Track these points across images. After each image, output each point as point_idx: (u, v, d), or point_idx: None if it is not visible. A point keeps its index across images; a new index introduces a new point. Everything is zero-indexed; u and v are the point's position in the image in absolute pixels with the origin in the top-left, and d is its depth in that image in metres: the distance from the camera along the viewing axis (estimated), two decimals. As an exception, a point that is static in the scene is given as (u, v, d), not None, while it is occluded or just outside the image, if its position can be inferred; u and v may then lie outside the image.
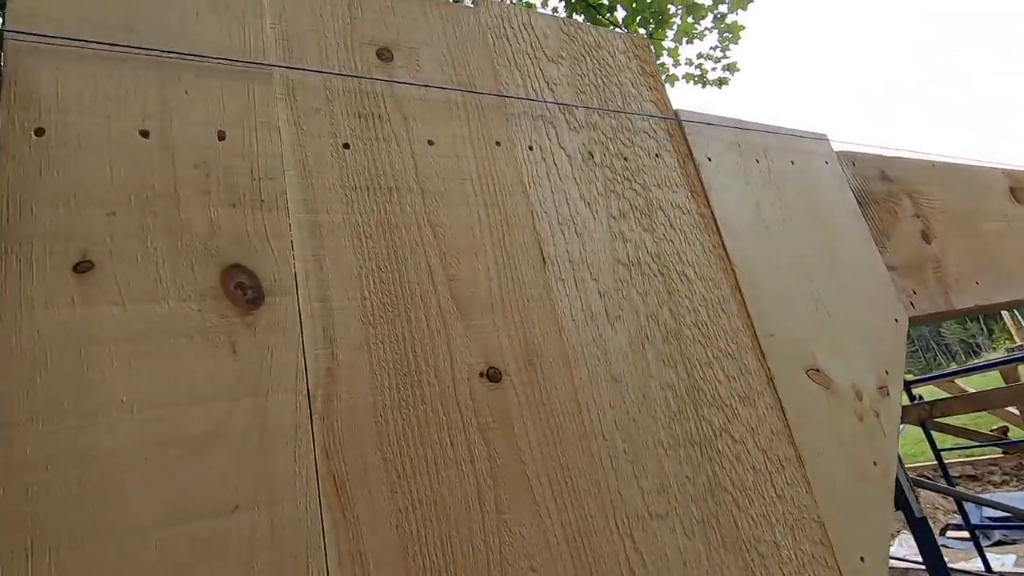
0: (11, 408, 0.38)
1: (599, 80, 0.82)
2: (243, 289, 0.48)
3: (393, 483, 0.48)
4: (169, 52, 0.53)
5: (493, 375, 0.56)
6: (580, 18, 4.57)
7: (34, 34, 0.48)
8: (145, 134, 0.49)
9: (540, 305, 0.61)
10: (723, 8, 4.46)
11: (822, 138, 1.08)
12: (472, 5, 0.75)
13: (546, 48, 0.79)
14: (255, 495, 0.42)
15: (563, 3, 4.78)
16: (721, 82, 5.36)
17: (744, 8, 4.34)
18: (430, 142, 0.63)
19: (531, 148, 0.70)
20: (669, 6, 4.09)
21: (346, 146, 0.58)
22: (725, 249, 0.80)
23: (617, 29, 4.12)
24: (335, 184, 0.56)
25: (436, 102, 0.66)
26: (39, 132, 0.45)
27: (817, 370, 0.79)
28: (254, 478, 0.43)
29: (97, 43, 0.50)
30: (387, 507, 0.47)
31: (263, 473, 0.43)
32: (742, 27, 4.65)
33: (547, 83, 0.76)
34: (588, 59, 0.82)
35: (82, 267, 0.43)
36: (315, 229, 0.53)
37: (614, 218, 0.72)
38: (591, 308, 0.65)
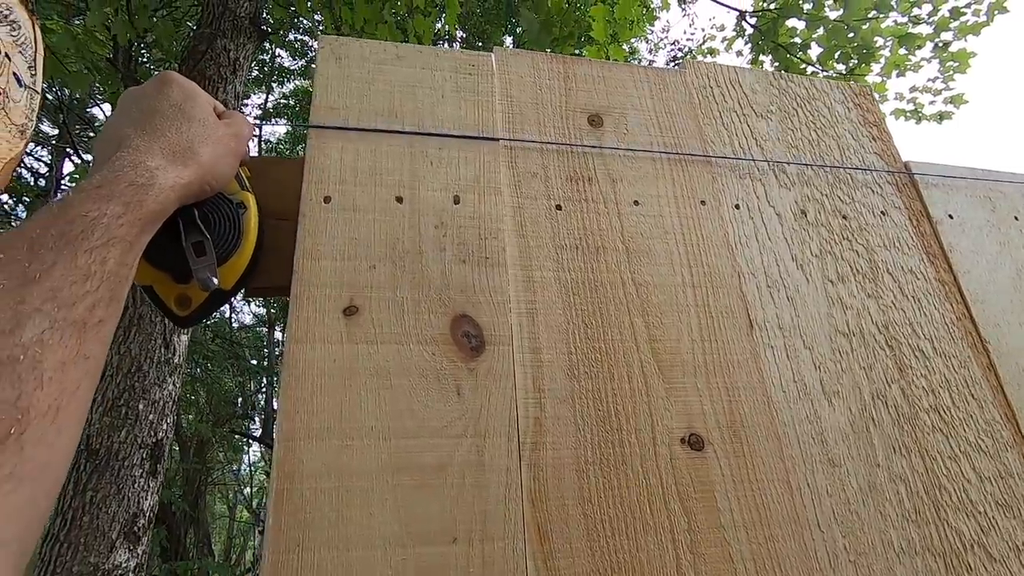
0: (295, 424, 0.47)
1: (813, 133, 0.77)
2: (468, 337, 0.53)
3: (592, 541, 0.48)
4: (420, 132, 0.62)
5: (695, 442, 0.54)
6: (767, 59, 4.35)
7: (327, 126, 0.60)
8: (400, 200, 0.58)
9: (746, 372, 0.58)
10: (947, 36, 3.90)
11: (1110, 189, 0.87)
12: (679, 68, 0.77)
13: (754, 104, 0.77)
14: (470, 530, 0.46)
15: (748, 46, 4.61)
16: (942, 117, 4.66)
17: (976, 34, 3.75)
18: (636, 202, 0.65)
19: (738, 207, 0.68)
20: (876, 39, 3.70)
21: (558, 207, 0.62)
22: (974, 322, 0.68)
23: (822, 72, 3.83)
24: (547, 243, 0.60)
25: (642, 162, 0.68)
26: (326, 200, 0.57)
27: (1114, 484, 0.62)
28: (470, 514, 0.46)
29: (369, 129, 0.61)
30: (587, 565, 0.47)
31: (478, 510, 0.47)
32: (972, 54, 4.01)
33: (755, 139, 0.74)
34: (800, 112, 0.78)
35: (349, 311, 0.52)
36: (529, 285, 0.57)
37: (831, 282, 0.66)
38: (804, 380, 0.59)
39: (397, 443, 0.48)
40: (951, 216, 0.76)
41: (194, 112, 0.48)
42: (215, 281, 0.46)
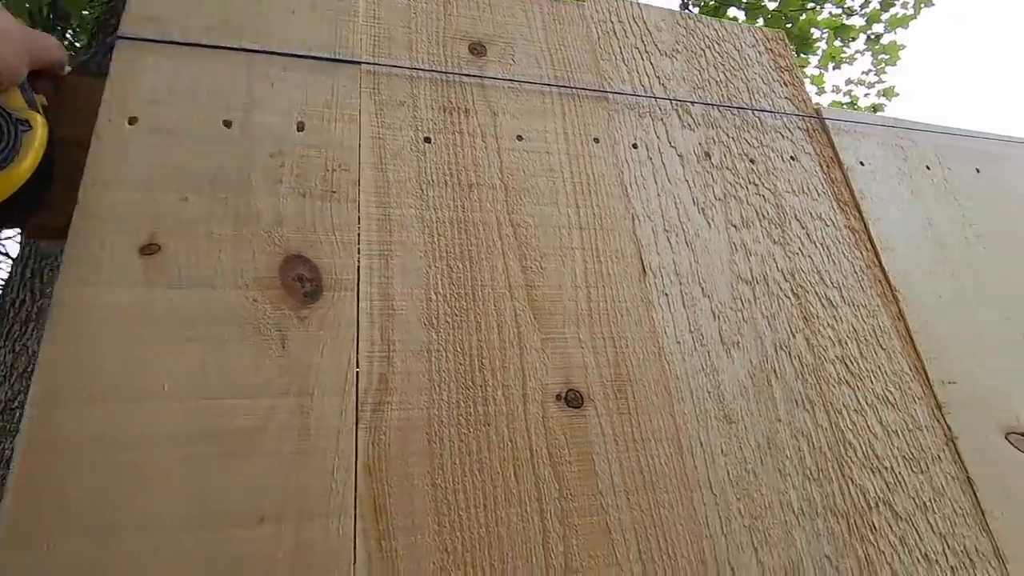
0: (58, 384, 0.37)
1: (722, 75, 0.71)
2: (302, 281, 0.44)
3: (442, 515, 0.40)
4: (262, 51, 0.53)
5: (573, 399, 0.47)
6: (711, 49, 4.38)
7: (141, 38, 0.50)
8: (228, 124, 0.49)
9: (637, 322, 0.52)
10: (878, 28, 4.03)
11: None
12: (578, 1, 0.70)
13: (659, 42, 0.71)
14: (284, 508, 0.37)
15: (693, 36, 4.62)
16: (875, 109, 4.82)
17: (905, 26, 3.88)
18: (519, 137, 0.57)
19: (635, 146, 0.62)
20: (813, 30, 3.78)
21: (427, 140, 0.54)
22: (884, 271, 0.64)
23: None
24: (411, 178, 0.52)
25: (529, 95, 0.60)
26: (131, 121, 0.47)
27: (1022, 434, 0.59)
28: (285, 488, 0.38)
29: (193, 44, 0.51)
30: (432, 544, 0.39)
31: (296, 484, 0.38)
32: (901, 47, 4.16)
33: (658, 78, 0.68)
34: (708, 53, 0.73)
35: (148, 249, 0.42)
36: (385, 223, 0.49)
37: (734, 227, 0.61)
38: (701, 330, 0.53)
39: (196, 405, 0.39)
40: (862, 163, 0.71)
41: None
42: None
